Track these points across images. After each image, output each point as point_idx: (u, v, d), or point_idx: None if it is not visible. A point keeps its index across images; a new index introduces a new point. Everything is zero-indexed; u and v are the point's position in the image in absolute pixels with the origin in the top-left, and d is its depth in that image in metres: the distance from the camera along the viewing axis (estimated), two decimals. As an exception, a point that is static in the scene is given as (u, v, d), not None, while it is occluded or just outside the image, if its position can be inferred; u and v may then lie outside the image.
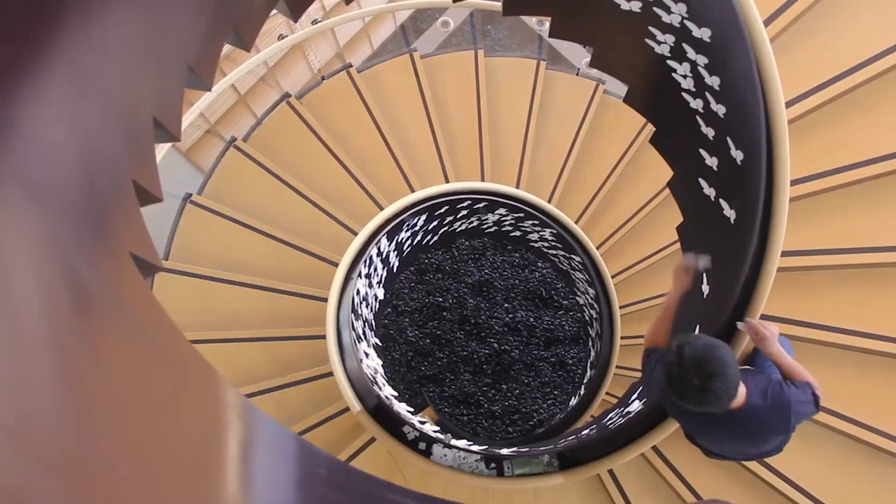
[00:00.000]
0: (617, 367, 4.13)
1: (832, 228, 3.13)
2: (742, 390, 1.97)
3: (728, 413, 1.97)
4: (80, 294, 0.80)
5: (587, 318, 4.69)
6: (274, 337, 4.41)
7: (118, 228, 1.07)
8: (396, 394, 4.15)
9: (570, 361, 4.76)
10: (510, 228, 4.70)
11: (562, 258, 4.59)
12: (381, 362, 4.42)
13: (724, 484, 3.25)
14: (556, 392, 4.71)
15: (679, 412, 2.26)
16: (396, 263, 4.63)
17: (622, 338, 4.21)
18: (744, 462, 3.07)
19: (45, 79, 0.84)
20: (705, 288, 2.60)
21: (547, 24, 2.98)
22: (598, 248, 4.41)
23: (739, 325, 2.24)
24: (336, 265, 3.93)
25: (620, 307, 4.29)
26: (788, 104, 2.96)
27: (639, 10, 2.26)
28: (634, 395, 3.04)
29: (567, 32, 2.90)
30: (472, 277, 4.91)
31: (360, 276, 3.88)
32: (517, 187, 4.69)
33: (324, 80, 5.19)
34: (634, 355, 4.35)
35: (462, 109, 5.14)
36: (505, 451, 3.08)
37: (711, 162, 2.36)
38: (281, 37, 5.37)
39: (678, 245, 3.50)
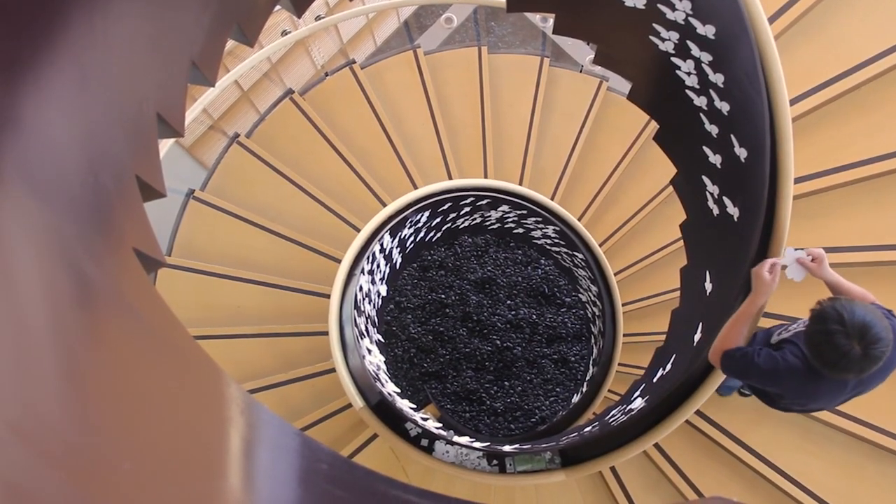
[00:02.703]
0: (619, 364, 4.12)
1: (835, 226, 3.13)
2: None
3: None
4: (84, 289, 0.80)
5: (590, 315, 4.69)
6: (277, 333, 4.41)
7: (121, 224, 1.07)
8: (399, 390, 4.15)
9: (573, 358, 4.76)
10: (513, 225, 4.69)
11: (564, 255, 4.59)
12: (383, 359, 4.42)
13: (726, 481, 3.26)
14: (558, 389, 4.71)
15: (810, 391, 2.08)
16: (399, 260, 4.64)
17: (625, 335, 4.21)
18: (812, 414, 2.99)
19: (49, 74, 0.84)
20: (708, 286, 2.59)
21: (551, 21, 2.98)
22: (600, 245, 4.40)
23: (788, 259, 2.09)
24: (339, 261, 3.93)
25: (623, 304, 4.29)
26: (791, 102, 2.96)
27: (643, 7, 2.26)
28: (637, 393, 3.03)
29: (571, 29, 2.90)
30: (474, 274, 4.91)
31: (362, 272, 3.88)
32: (520, 184, 4.69)
33: (327, 76, 5.19)
34: (637, 352, 4.37)
35: (465, 106, 5.14)
36: (507, 448, 3.08)
37: (715, 159, 2.36)
38: (284, 33, 5.37)
39: (681, 243, 3.50)
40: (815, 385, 2.01)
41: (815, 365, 1.89)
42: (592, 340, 4.68)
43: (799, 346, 2.02)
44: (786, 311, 3.05)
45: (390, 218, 4.06)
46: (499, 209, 4.46)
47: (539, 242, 4.78)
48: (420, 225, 4.38)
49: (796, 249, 2.10)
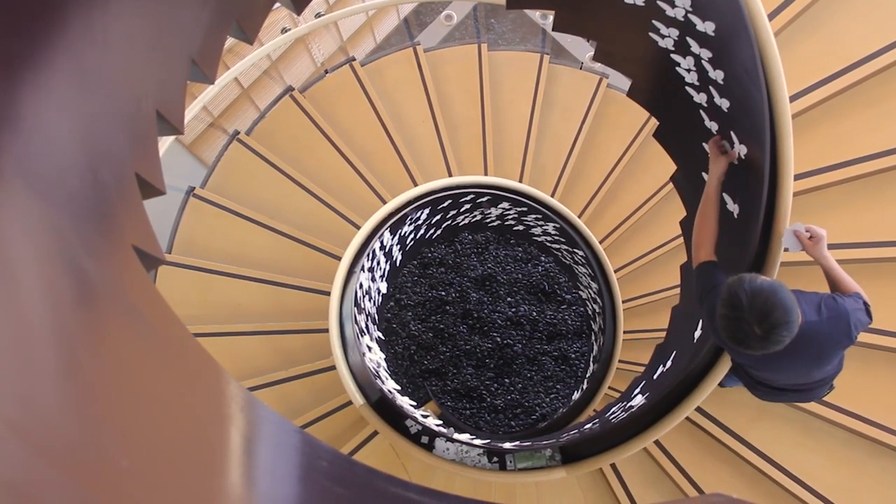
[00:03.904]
0: (620, 361, 4.13)
1: (836, 224, 3.13)
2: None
3: None
4: (83, 287, 0.80)
5: (590, 312, 4.69)
6: (277, 330, 4.41)
7: (121, 221, 1.07)
8: (399, 387, 4.15)
9: (573, 356, 4.76)
10: (513, 222, 4.69)
11: (565, 252, 4.59)
12: (383, 356, 4.43)
13: (727, 478, 3.26)
14: (558, 386, 4.72)
15: (734, 351, 2.13)
16: (399, 257, 4.64)
17: (625, 332, 4.21)
18: (801, 405, 3.00)
19: (48, 72, 0.84)
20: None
21: (550, 18, 2.97)
22: (601, 242, 4.40)
23: (786, 235, 2.09)
24: (339, 259, 3.93)
25: (623, 301, 4.29)
26: (792, 99, 2.96)
27: (642, 4, 2.26)
28: (637, 390, 3.04)
29: (571, 26, 2.90)
30: (475, 271, 4.91)
31: (362, 269, 3.88)
32: (520, 181, 4.68)
33: (327, 73, 5.18)
34: (637, 349, 4.37)
35: (465, 103, 5.14)
36: (507, 445, 3.08)
37: (715, 156, 2.36)
38: (284, 30, 5.36)
39: (681, 239, 3.50)
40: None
41: (725, 342, 1.93)
42: (593, 337, 4.68)
43: None
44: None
45: (390, 215, 4.06)
46: (499, 206, 4.46)
47: (539, 239, 4.78)
48: (420, 222, 4.38)
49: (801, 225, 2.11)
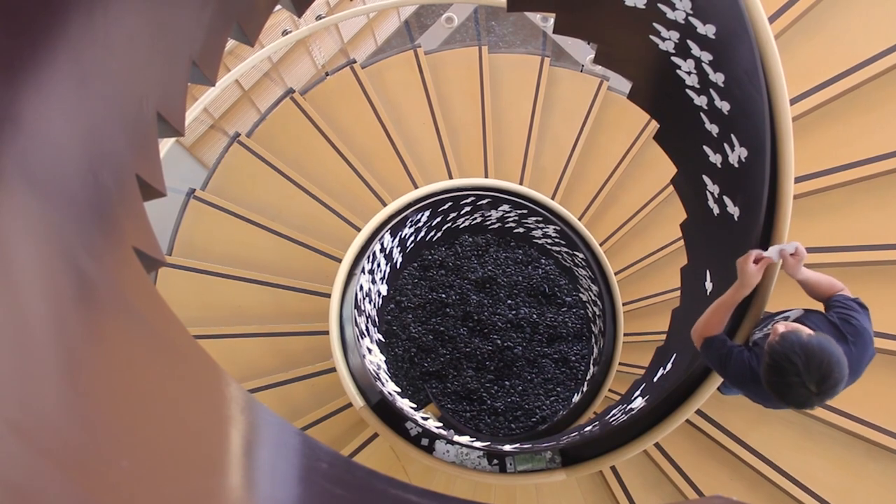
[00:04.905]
0: (620, 363, 4.13)
1: (836, 226, 3.13)
2: None
3: None
4: (84, 288, 0.80)
5: (590, 314, 4.69)
6: (277, 332, 4.41)
7: (121, 223, 1.07)
8: (399, 390, 4.15)
9: (573, 358, 4.76)
10: (513, 225, 4.69)
11: (565, 255, 4.59)
12: (384, 358, 4.43)
13: (727, 481, 3.26)
14: (558, 389, 4.72)
15: (770, 396, 2.04)
16: (400, 259, 4.64)
17: (625, 334, 4.21)
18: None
19: (48, 73, 0.84)
20: (708, 285, 2.59)
21: (551, 21, 2.97)
22: (601, 244, 4.40)
23: (772, 252, 2.07)
24: (339, 261, 3.94)
25: (623, 304, 4.29)
26: (792, 102, 2.96)
27: (643, 7, 2.26)
28: (637, 392, 3.03)
29: (571, 29, 2.90)
30: (475, 274, 4.91)
31: (363, 271, 3.88)
32: (521, 184, 4.69)
33: (328, 75, 5.19)
34: (637, 352, 4.37)
35: (466, 106, 5.14)
36: (507, 448, 3.08)
37: (715, 159, 2.36)
38: (285, 32, 5.37)
39: (681, 242, 3.50)
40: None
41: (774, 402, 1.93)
42: (593, 340, 4.68)
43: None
44: (790, 307, 3.05)
45: (391, 217, 4.06)
46: (499, 209, 4.46)
47: (540, 242, 4.78)
48: (420, 224, 4.38)
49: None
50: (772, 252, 2.06)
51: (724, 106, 2.18)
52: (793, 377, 1.73)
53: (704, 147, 2.40)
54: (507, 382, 4.70)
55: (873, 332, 2.06)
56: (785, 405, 1.85)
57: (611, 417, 3.04)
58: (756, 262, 2.04)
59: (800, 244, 2.06)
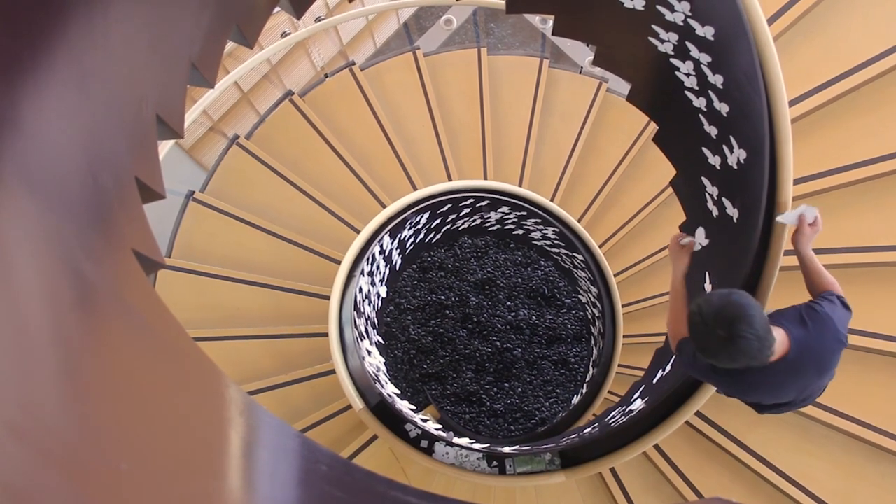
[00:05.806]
0: (619, 365, 4.12)
1: (835, 227, 3.13)
2: (781, 335, 1.87)
3: (783, 361, 1.89)
4: (83, 290, 0.80)
5: (589, 316, 4.69)
6: (276, 334, 4.41)
7: (121, 225, 1.07)
8: (398, 392, 4.15)
9: (573, 360, 4.76)
10: (513, 227, 4.69)
11: (564, 256, 4.59)
12: (383, 360, 4.42)
13: (727, 483, 3.25)
14: (558, 391, 4.71)
15: (739, 383, 2.10)
16: (399, 261, 4.64)
17: (624, 336, 4.21)
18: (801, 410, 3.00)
19: (48, 75, 0.84)
20: (707, 287, 2.59)
21: (550, 22, 2.97)
22: (600, 246, 4.40)
23: (792, 214, 2.05)
24: (338, 263, 3.93)
25: (623, 306, 4.29)
26: (791, 103, 2.96)
27: (642, 8, 2.26)
28: (637, 394, 3.03)
29: (570, 30, 2.90)
30: (474, 275, 4.91)
31: (362, 273, 3.88)
32: (520, 185, 4.69)
33: (327, 77, 5.19)
34: (637, 354, 4.37)
35: (465, 107, 5.15)
36: (507, 450, 3.08)
37: (714, 160, 2.36)
38: (284, 34, 5.37)
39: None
40: (740, 377, 2.01)
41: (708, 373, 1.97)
42: (592, 342, 4.68)
43: None
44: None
45: (390, 219, 4.06)
46: (498, 210, 4.46)
47: (539, 244, 4.78)
48: (420, 226, 4.38)
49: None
50: (792, 214, 2.04)
51: (723, 108, 2.19)
52: (700, 326, 1.75)
53: (703, 149, 2.40)
54: (506, 384, 4.70)
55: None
56: (719, 363, 1.82)
57: (610, 419, 3.04)
58: (679, 240, 2.19)
59: (820, 224, 2.05)
